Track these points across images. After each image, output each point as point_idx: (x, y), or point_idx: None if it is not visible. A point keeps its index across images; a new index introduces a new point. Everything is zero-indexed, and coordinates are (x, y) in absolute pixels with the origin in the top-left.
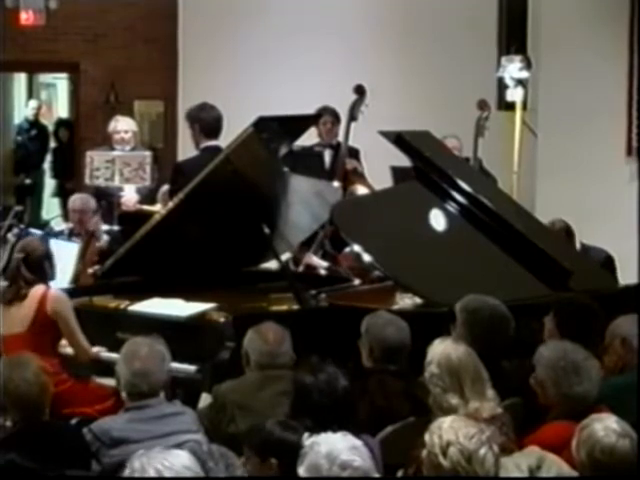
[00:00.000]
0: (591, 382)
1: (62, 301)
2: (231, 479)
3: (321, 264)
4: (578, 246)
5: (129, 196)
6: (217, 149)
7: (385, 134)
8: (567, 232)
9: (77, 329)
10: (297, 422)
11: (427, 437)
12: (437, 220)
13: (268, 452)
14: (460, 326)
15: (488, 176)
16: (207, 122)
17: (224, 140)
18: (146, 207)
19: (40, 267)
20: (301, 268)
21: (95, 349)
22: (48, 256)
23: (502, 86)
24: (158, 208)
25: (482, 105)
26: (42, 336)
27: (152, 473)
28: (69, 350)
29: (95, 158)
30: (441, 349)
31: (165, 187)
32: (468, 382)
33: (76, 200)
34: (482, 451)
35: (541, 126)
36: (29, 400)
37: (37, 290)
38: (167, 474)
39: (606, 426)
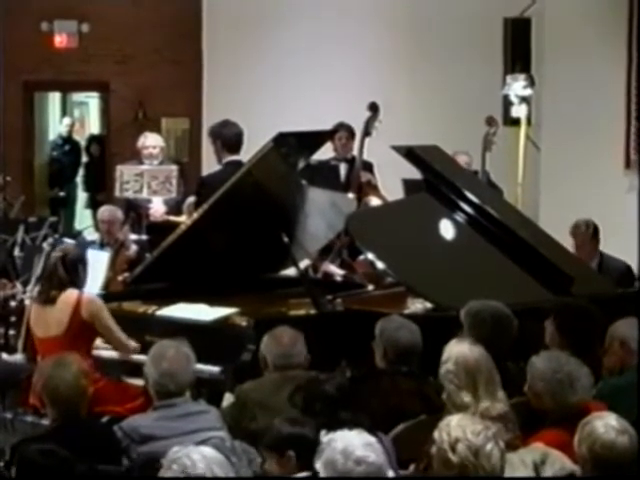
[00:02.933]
0: (584, 389)
1: (95, 302)
2: (239, 479)
3: (337, 272)
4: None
5: (157, 207)
6: (239, 163)
7: (397, 148)
8: (595, 231)
9: (114, 326)
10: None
11: (436, 434)
12: (446, 229)
13: (284, 446)
14: (466, 330)
15: (495, 188)
16: (229, 138)
17: (246, 154)
18: (173, 218)
19: (75, 268)
20: (319, 275)
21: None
22: (83, 261)
23: (507, 103)
24: (184, 219)
25: (490, 121)
26: (78, 339)
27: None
28: (102, 352)
29: (125, 172)
30: (459, 349)
31: (190, 199)
32: (482, 382)
33: (104, 212)
34: (489, 446)
35: (544, 141)
36: (66, 401)
37: (71, 295)
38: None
39: (606, 423)
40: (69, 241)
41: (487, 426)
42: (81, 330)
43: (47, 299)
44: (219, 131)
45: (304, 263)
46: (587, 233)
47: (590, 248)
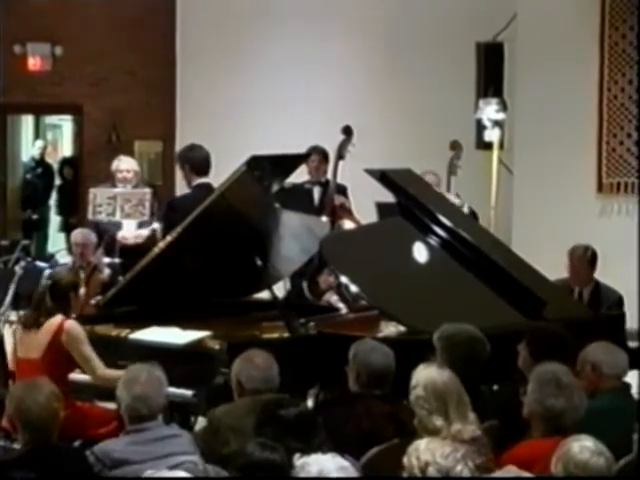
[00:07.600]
0: (570, 403)
1: (76, 331)
2: (230, 479)
3: (338, 305)
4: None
5: (126, 233)
6: (208, 186)
7: (370, 172)
8: (593, 257)
9: (91, 357)
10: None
11: (405, 460)
12: (419, 252)
13: (253, 473)
14: (439, 354)
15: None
16: (197, 161)
17: (219, 177)
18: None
19: (64, 297)
20: (320, 302)
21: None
22: (74, 287)
23: (480, 127)
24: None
25: (454, 146)
26: (54, 364)
27: None
28: (76, 376)
29: (98, 195)
30: (427, 373)
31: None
32: (453, 405)
33: (78, 234)
34: (458, 468)
35: (517, 164)
36: (38, 424)
37: (55, 320)
38: None
39: (582, 444)
40: (40, 264)
41: (456, 448)
42: (59, 356)
43: (33, 324)
44: (186, 155)
45: (279, 286)
46: (584, 257)
47: (586, 273)
